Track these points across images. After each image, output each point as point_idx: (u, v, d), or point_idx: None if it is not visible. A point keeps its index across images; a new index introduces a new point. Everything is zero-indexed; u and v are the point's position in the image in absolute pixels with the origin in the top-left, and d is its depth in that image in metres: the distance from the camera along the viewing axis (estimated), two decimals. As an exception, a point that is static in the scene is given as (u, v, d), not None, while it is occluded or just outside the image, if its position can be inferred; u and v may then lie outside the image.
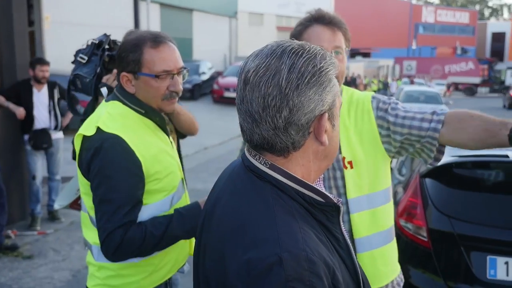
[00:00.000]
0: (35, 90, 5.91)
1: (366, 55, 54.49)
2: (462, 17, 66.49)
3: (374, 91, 33.21)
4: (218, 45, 31.76)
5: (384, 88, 34.17)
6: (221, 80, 21.06)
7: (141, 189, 1.84)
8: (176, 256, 2.06)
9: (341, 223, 1.18)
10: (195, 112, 14.53)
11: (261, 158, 1.11)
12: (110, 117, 1.89)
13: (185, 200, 2.14)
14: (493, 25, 74.16)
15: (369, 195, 1.99)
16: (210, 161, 10.35)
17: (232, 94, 19.67)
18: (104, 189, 1.79)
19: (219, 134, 13.59)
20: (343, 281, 1.06)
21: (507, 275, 2.81)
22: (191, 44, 30.35)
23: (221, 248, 1.09)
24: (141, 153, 1.83)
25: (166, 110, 2.00)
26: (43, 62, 5.93)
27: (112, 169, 1.78)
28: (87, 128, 1.86)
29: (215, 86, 21.14)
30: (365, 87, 32.83)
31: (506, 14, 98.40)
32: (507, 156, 3.02)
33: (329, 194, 1.14)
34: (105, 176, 1.78)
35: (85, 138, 1.86)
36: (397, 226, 3.20)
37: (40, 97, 5.95)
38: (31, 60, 6.03)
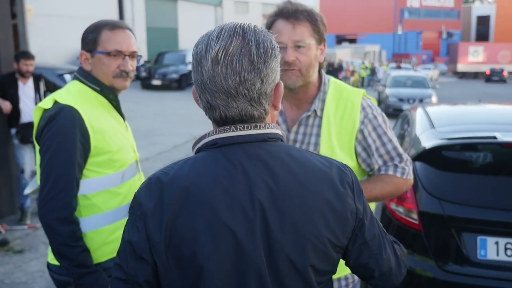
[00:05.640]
0: (20, 84, 5.85)
1: (352, 41, 54.48)
2: (447, 1, 66.65)
3: (362, 77, 33.28)
4: (204, 34, 31.58)
5: (371, 73, 34.21)
6: (208, 70, 20.97)
7: (82, 158, 2.01)
8: None
9: None
10: (183, 102, 14.35)
11: (258, 124, 1.21)
12: (68, 92, 2.10)
13: (139, 180, 2.26)
14: (478, 8, 74.45)
15: None
16: (200, 151, 10.32)
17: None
18: (52, 153, 1.96)
19: (207, 123, 13.46)
20: None
21: (497, 255, 2.85)
22: (176, 34, 30.14)
23: (300, 215, 1.18)
24: (91, 125, 2.01)
25: (118, 86, 2.17)
26: (27, 56, 5.85)
27: (62, 136, 1.96)
28: (46, 102, 2.04)
29: (202, 76, 21.05)
30: (352, 73, 32.85)
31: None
32: (495, 138, 3.04)
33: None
34: (55, 142, 1.96)
35: (44, 110, 2.04)
36: (388, 209, 3.22)
37: (26, 90, 5.89)
38: (16, 54, 5.95)
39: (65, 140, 1.95)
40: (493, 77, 42.70)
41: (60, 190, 1.95)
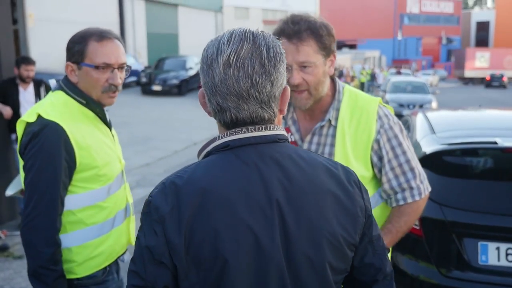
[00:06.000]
0: (21, 89, 5.86)
1: (352, 46, 54.57)
2: (446, 6, 66.82)
3: (362, 83, 33.30)
4: (204, 40, 31.49)
5: (371, 79, 34.22)
6: (208, 75, 20.97)
7: (67, 177, 1.96)
8: (112, 244, 2.14)
9: None
10: (183, 107, 14.32)
11: (268, 126, 1.23)
12: (52, 105, 2.02)
13: (124, 192, 2.22)
14: (477, 14, 74.66)
15: None
16: (200, 156, 10.32)
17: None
18: (35, 172, 1.91)
19: (208, 129, 13.58)
20: None
21: (499, 260, 2.84)
22: (177, 40, 30.20)
23: (318, 210, 1.21)
24: (76, 142, 1.95)
25: (105, 103, 2.10)
26: (28, 61, 5.86)
27: (46, 155, 1.91)
28: (30, 115, 1.98)
29: (203, 81, 21.07)
30: (352, 78, 32.86)
31: (489, 3, 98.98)
32: (495, 143, 3.04)
33: None
34: (39, 161, 1.91)
35: (27, 124, 1.97)
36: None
37: (27, 95, 5.89)
38: (17, 59, 5.96)
39: (49, 158, 1.90)
40: (493, 82, 43.26)
41: (44, 210, 1.90)
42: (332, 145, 2.00)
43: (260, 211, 1.16)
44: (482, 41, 69.31)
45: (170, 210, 1.16)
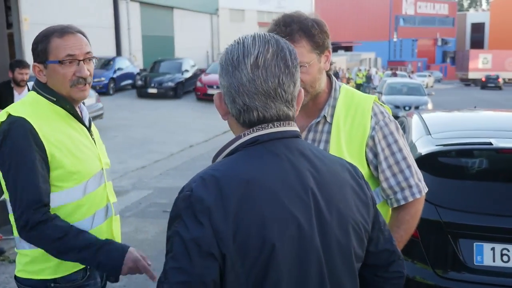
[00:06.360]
0: (15, 92, 5.85)
1: (348, 48, 54.65)
2: (441, 8, 67.04)
3: (358, 84, 33.36)
4: (200, 43, 31.68)
5: (367, 81, 34.28)
6: (204, 78, 20.97)
7: (45, 169, 1.94)
8: None
9: None
10: (179, 110, 14.34)
11: (290, 122, 1.31)
12: (22, 104, 2.04)
13: (104, 191, 2.17)
14: (472, 16, 74.98)
15: None
16: (196, 159, 10.33)
17: (216, 91, 19.63)
18: (13, 173, 1.91)
19: (204, 131, 13.58)
20: None
21: (494, 261, 2.85)
22: (172, 42, 30.18)
23: (342, 199, 1.31)
24: (46, 138, 1.94)
25: (76, 97, 2.07)
26: (22, 65, 5.86)
27: (18, 153, 1.90)
28: (1, 115, 1.98)
29: (198, 84, 21.06)
30: (348, 80, 32.92)
31: (484, 5, 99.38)
32: (490, 144, 3.05)
33: None
34: (14, 161, 1.90)
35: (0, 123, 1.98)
36: (385, 216, 3.22)
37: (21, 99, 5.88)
38: (11, 62, 5.96)
39: (22, 156, 1.89)
40: (489, 83, 43.49)
41: (26, 208, 1.88)
42: (327, 141, 2.00)
43: (299, 199, 1.23)
44: (477, 43, 69.55)
45: (214, 200, 1.18)
